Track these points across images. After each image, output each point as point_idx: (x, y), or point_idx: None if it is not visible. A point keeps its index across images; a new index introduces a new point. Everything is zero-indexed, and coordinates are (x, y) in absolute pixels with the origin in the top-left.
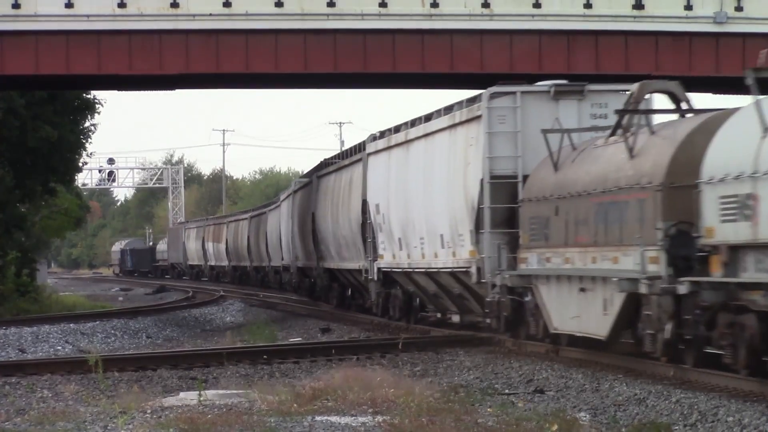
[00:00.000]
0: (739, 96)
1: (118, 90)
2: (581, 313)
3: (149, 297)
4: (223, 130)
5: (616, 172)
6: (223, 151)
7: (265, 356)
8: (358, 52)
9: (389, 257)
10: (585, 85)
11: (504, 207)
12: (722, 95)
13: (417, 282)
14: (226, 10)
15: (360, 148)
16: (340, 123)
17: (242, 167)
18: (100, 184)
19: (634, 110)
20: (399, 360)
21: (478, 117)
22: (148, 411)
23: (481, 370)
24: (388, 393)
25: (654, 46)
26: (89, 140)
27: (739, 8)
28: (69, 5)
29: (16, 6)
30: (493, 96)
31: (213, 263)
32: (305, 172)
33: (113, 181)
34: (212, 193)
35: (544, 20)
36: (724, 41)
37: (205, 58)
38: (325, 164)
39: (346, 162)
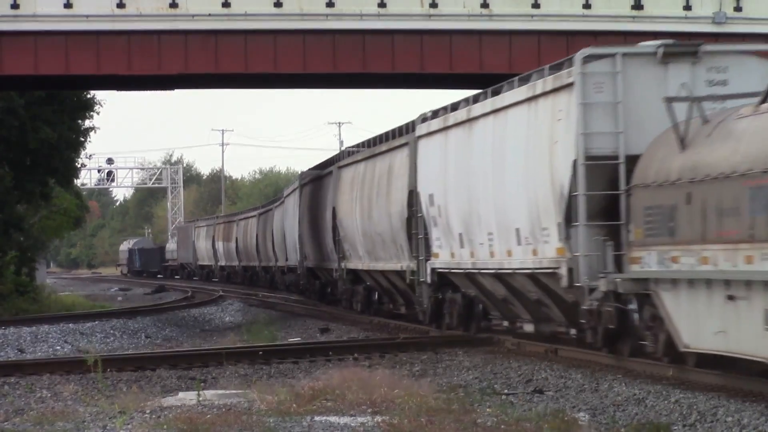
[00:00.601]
0: None
1: (117, 90)
2: (728, 328)
3: (148, 297)
4: (222, 130)
5: None
6: (222, 151)
7: (260, 352)
8: (357, 52)
9: (446, 256)
10: (700, 44)
11: (603, 195)
12: None
13: (481, 285)
14: (225, 11)
15: (404, 130)
16: (339, 123)
17: (241, 167)
18: (99, 184)
19: None
20: (398, 360)
21: (569, 85)
22: (147, 411)
23: (480, 370)
24: (387, 393)
25: None
26: (88, 140)
27: (738, 8)
28: (68, 5)
29: (15, 6)
30: (587, 59)
31: (223, 263)
32: (315, 165)
33: (112, 181)
34: (211, 193)
35: (543, 20)
36: (724, 41)
37: (204, 58)
38: (347, 153)
39: (384, 148)
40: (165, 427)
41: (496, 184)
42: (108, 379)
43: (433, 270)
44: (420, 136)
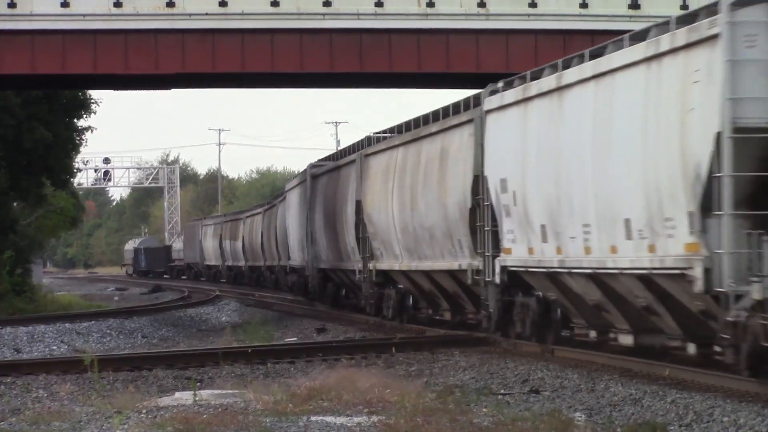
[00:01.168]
0: None
1: (114, 89)
2: None
3: (144, 297)
4: (219, 130)
5: None
6: (219, 151)
7: (249, 350)
8: (354, 51)
9: (521, 251)
10: None
11: (754, 177)
12: None
13: (567, 287)
14: (222, 10)
15: (463, 106)
16: (336, 122)
17: (238, 167)
18: (95, 184)
19: None
20: (394, 360)
21: (710, 39)
22: (144, 411)
23: (477, 370)
24: (383, 393)
25: None
26: (84, 142)
27: None
28: (65, 4)
29: (12, 5)
30: (736, 5)
31: (230, 263)
32: (325, 156)
33: (109, 180)
34: (208, 193)
35: (540, 20)
36: None
37: (201, 57)
38: (374, 139)
39: (434, 128)
40: (161, 427)
41: (598, 165)
42: (104, 379)
43: (503, 268)
44: (489, 111)
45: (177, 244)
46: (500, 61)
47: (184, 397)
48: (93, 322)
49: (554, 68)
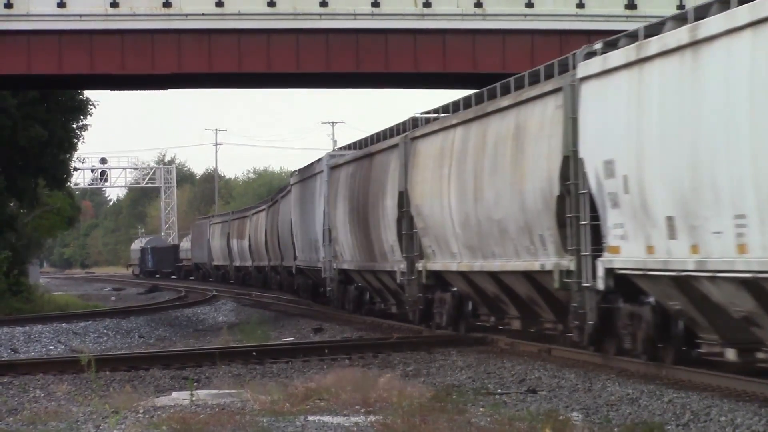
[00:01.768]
0: None
1: (111, 90)
2: None
3: (141, 297)
4: (216, 130)
5: None
6: (216, 151)
7: (254, 353)
8: (351, 51)
9: (636, 250)
10: None
11: None
12: None
13: (703, 295)
14: (218, 10)
15: (548, 73)
16: (333, 123)
17: (235, 167)
18: (92, 184)
19: None
20: (392, 360)
21: None
22: (141, 411)
23: (474, 370)
24: (380, 393)
25: None
26: (81, 141)
27: None
28: (61, 5)
29: (8, 5)
30: None
31: (238, 263)
32: (344, 145)
33: (105, 180)
34: (205, 193)
35: (537, 20)
36: None
37: (198, 57)
38: (421, 121)
39: (506, 102)
40: (158, 427)
41: (758, 139)
42: (101, 378)
43: (608, 271)
44: (585, 78)
45: (185, 244)
46: (497, 61)
47: (181, 397)
48: (90, 322)
49: (684, 19)
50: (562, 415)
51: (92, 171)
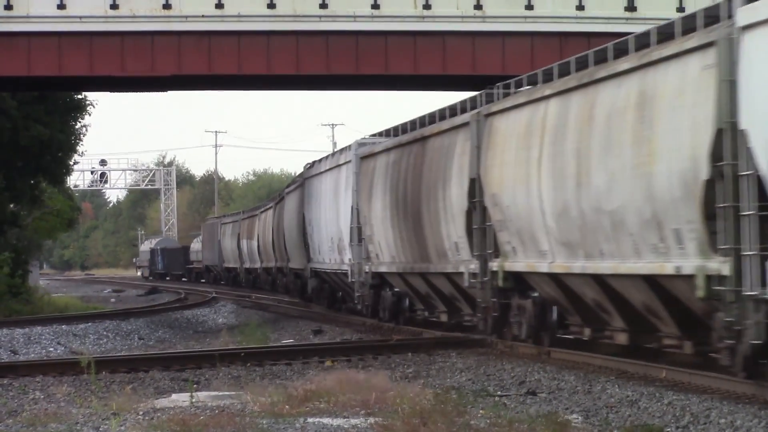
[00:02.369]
0: None
1: (111, 91)
2: None
3: (141, 298)
4: (216, 132)
5: None
6: (216, 153)
7: (242, 353)
8: (351, 53)
9: None
10: None
11: None
12: None
13: None
14: (218, 12)
15: (687, 26)
16: (333, 125)
17: (235, 169)
18: (92, 186)
19: None
20: (391, 362)
21: None
22: (141, 412)
23: (473, 371)
24: (380, 395)
25: None
26: (80, 141)
27: None
28: (61, 6)
29: (8, 7)
30: None
31: (248, 265)
32: (375, 133)
33: (105, 182)
34: (204, 195)
35: (537, 22)
36: None
37: (198, 59)
38: (496, 95)
39: (625, 66)
40: (158, 428)
41: None
42: (101, 380)
43: None
44: (749, 27)
45: (195, 245)
46: (497, 63)
47: (180, 398)
48: (90, 323)
49: None
50: (561, 417)
51: (92, 173)
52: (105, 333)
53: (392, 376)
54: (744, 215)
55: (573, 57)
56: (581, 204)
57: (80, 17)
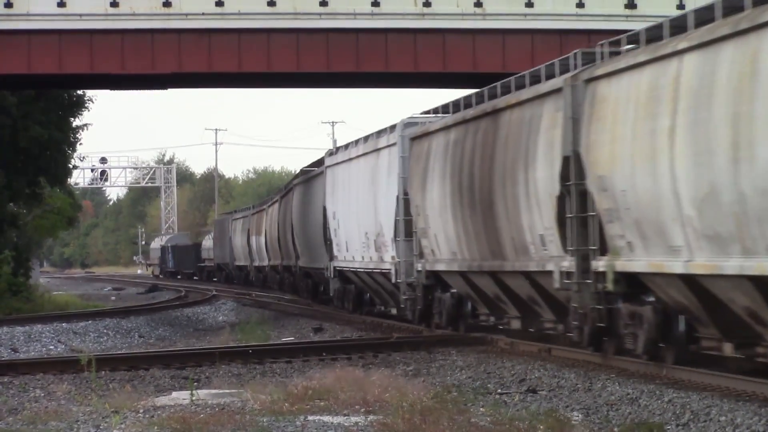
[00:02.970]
0: None
1: (111, 89)
2: None
3: (141, 296)
4: (216, 130)
5: None
6: (216, 151)
7: (250, 351)
8: (351, 51)
9: None
10: None
11: None
12: None
13: None
14: (218, 10)
15: None
16: (333, 122)
17: (235, 167)
18: (92, 184)
19: None
20: (391, 360)
21: None
22: (141, 410)
23: (474, 369)
24: (380, 393)
25: None
26: (79, 141)
27: None
28: (61, 4)
29: (8, 5)
30: None
31: (258, 263)
32: (426, 110)
33: (105, 180)
34: (205, 193)
35: (537, 20)
36: None
37: (198, 57)
38: (607, 54)
39: None
40: (158, 426)
41: None
42: (101, 378)
43: None
44: None
45: (207, 242)
46: (497, 60)
47: (181, 396)
48: (90, 321)
49: None
50: (562, 415)
51: (92, 170)
52: (105, 331)
53: (392, 374)
54: None
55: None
56: (740, 185)
57: (80, 15)
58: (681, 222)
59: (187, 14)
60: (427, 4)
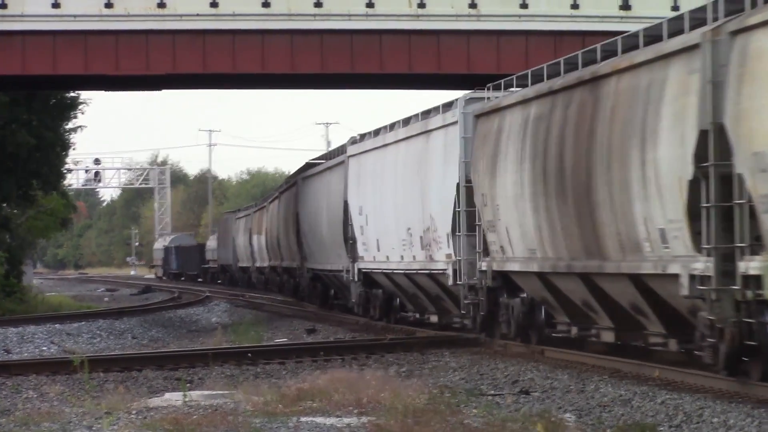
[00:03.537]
0: None
1: (105, 90)
2: None
3: (135, 297)
4: (210, 131)
5: None
6: (210, 152)
7: (249, 354)
8: (345, 52)
9: None
10: None
11: None
12: None
13: None
14: (213, 11)
15: None
16: (327, 123)
17: (229, 168)
18: (86, 185)
19: None
20: (385, 361)
21: None
22: (134, 412)
23: (467, 371)
24: (373, 394)
25: None
26: (72, 143)
27: None
28: (56, 5)
29: (2, 6)
30: None
31: (259, 264)
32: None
33: (99, 181)
34: (198, 194)
35: (531, 21)
36: None
37: (192, 58)
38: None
39: None
40: (151, 427)
41: None
42: (94, 379)
43: None
44: None
45: (211, 242)
46: (491, 62)
47: (174, 397)
48: (83, 322)
49: None
50: (554, 417)
51: (86, 172)
52: (98, 332)
53: (385, 375)
54: None
55: None
56: None
57: (75, 16)
58: None
59: (181, 15)
60: (421, 5)
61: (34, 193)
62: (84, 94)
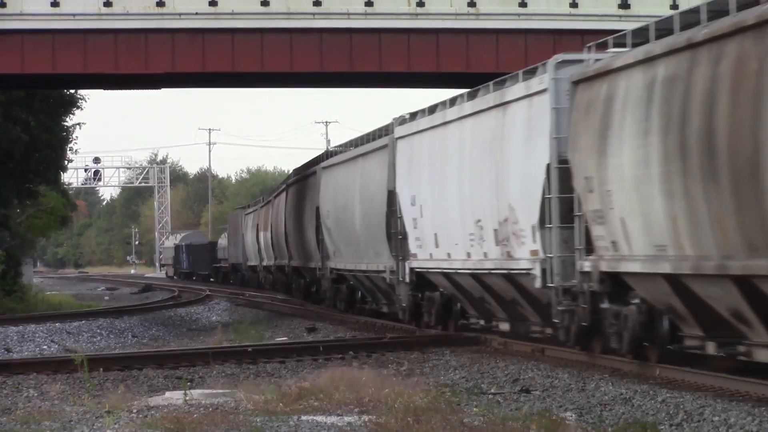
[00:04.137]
0: None
1: (104, 89)
2: None
3: (135, 296)
4: (209, 129)
5: None
6: (209, 150)
7: (249, 349)
8: (344, 51)
9: None
10: None
11: None
12: None
13: None
14: (212, 9)
15: None
16: (326, 122)
17: (228, 166)
18: (85, 183)
19: None
20: (385, 359)
21: None
22: (134, 410)
23: (467, 369)
24: (374, 392)
25: None
26: (71, 140)
27: None
28: (55, 4)
29: (2, 5)
30: None
31: (266, 262)
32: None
33: (99, 180)
34: (198, 193)
35: (530, 19)
36: None
37: (191, 57)
38: None
39: None
40: (152, 426)
41: None
42: (95, 378)
43: None
44: None
45: (222, 241)
46: (490, 60)
47: (174, 396)
48: (83, 321)
49: None
50: (555, 415)
51: (85, 170)
52: (99, 331)
53: (386, 374)
54: None
55: None
56: None
57: (74, 15)
58: None
59: (180, 14)
60: (420, 4)
61: (35, 188)
62: (81, 91)
